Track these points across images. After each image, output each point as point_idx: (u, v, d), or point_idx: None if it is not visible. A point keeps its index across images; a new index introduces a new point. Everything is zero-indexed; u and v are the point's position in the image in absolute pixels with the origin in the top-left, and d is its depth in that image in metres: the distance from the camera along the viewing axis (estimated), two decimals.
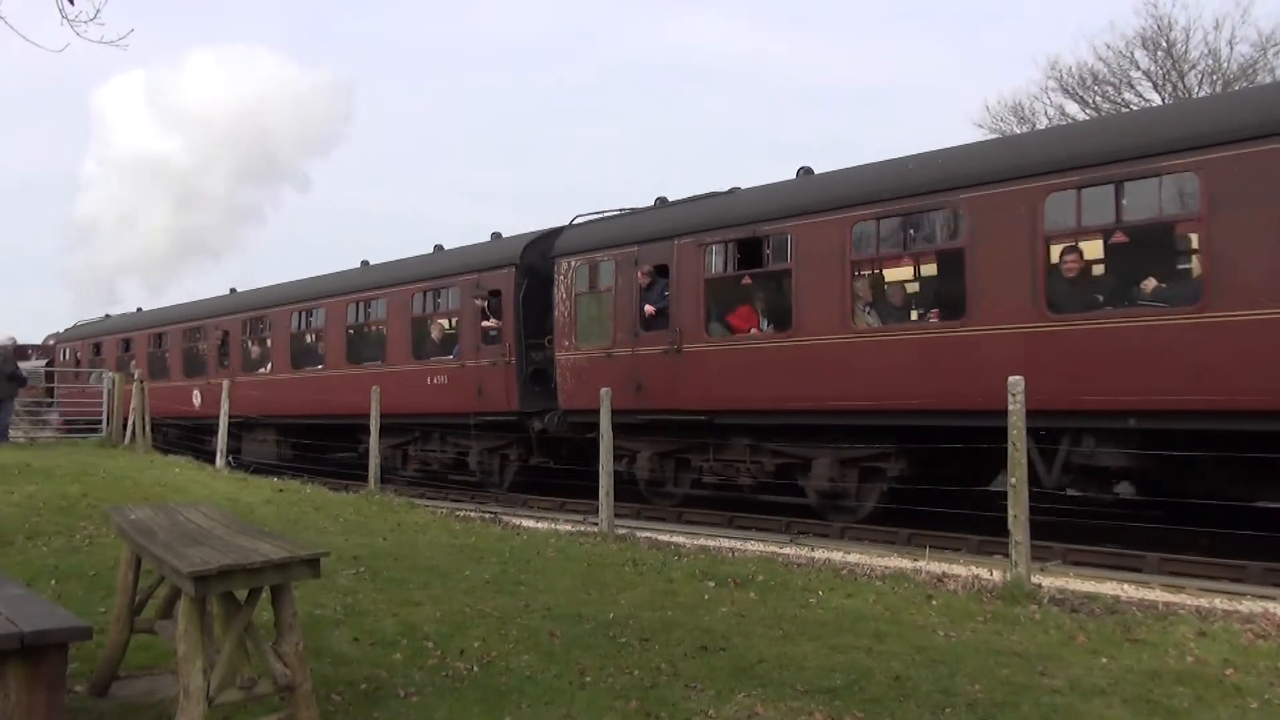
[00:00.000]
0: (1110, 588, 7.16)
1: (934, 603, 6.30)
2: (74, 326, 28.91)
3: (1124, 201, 8.41)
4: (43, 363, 27.42)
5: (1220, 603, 6.61)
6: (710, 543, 9.36)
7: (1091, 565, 8.38)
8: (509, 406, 14.08)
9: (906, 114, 65.48)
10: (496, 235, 15.92)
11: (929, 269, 10.66)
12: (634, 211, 13.46)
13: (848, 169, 11.07)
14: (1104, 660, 5.05)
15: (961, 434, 9.22)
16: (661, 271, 12.22)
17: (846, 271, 10.20)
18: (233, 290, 22.45)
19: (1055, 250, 8.88)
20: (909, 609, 6.14)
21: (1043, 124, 27.30)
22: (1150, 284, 8.39)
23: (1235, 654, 5.15)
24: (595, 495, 9.82)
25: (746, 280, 11.74)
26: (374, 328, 17.22)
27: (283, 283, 20.56)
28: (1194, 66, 25.90)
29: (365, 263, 18.63)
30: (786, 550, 8.89)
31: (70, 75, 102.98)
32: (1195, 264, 8.38)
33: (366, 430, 13.03)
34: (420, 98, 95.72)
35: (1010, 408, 6.87)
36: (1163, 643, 5.35)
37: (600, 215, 13.84)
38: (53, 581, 6.19)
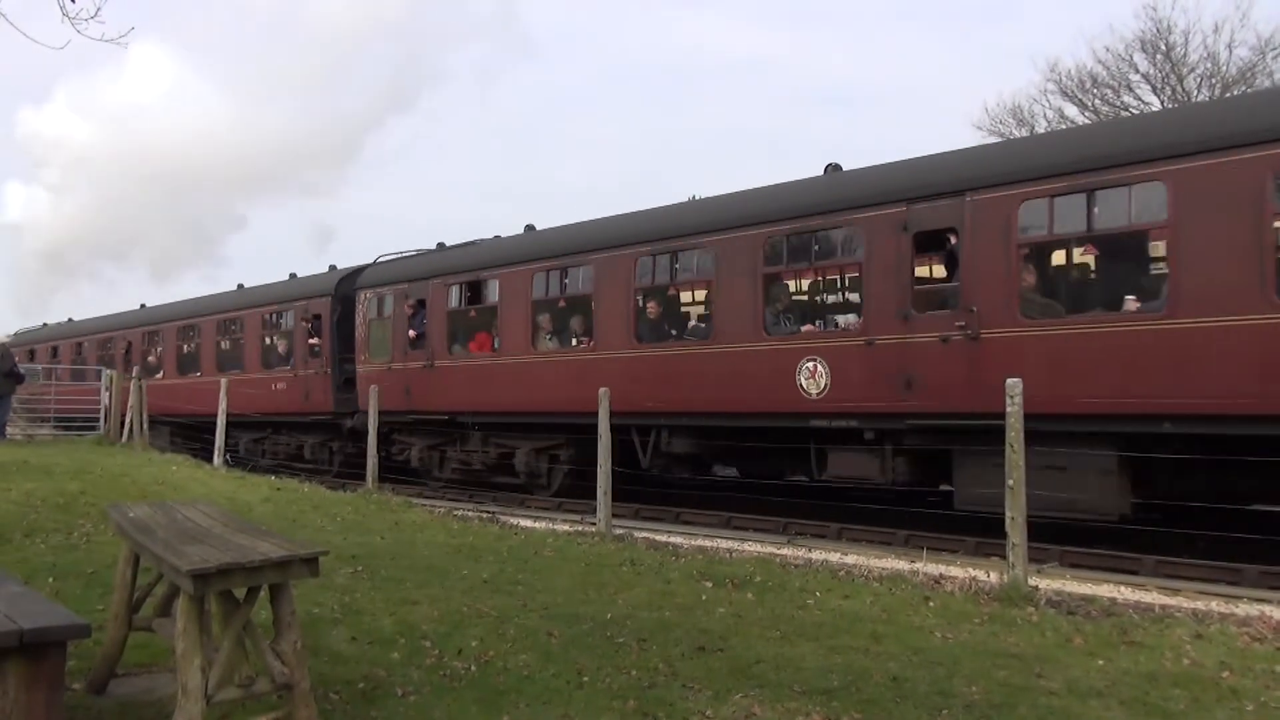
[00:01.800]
0: (1107, 590, 7.16)
1: (931, 604, 6.30)
2: (15, 334, 31.55)
3: (678, 265, 12.26)
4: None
5: (1216, 605, 6.62)
6: (708, 543, 9.36)
7: (1088, 567, 8.40)
8: (327, 408, 17.55)
9: (907, 114, 65.58)
10: (333, 267, 19.22)
11: (579, 308, 13.70)
12: (417, 254, 16.95)
13: (534, 232, 14.91)
14: (1100, 662, 5.06)
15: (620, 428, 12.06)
16: (422, 304, 15.55)
17: (529, 308, 13.78)
18: (142, 305, 25.51)
19: (641, 299, 12.42)
20: (906, 610, 6.14)
21: (1042, 127, 27.32)
22: (691, 323, 12.45)
23: (1231, 656, 5.15)
24: (389, 476, 11.80)
25: (473, 313, 15.09)
26: (236, 341, 20.52)
27: (173, 302, 24.03)
28: (1193, 70, 25.95)
29: (241, 285, 21.73)
30: (784, 551, 8.90)
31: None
32: (707, 313, 12.05)
33: (236, 427, 16.00)
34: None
35: (1008, 410, 6.88)
36: (1159, 645, 5.36)
37: (397, 256, 17.30)
38: (50, 579, 6.19)
